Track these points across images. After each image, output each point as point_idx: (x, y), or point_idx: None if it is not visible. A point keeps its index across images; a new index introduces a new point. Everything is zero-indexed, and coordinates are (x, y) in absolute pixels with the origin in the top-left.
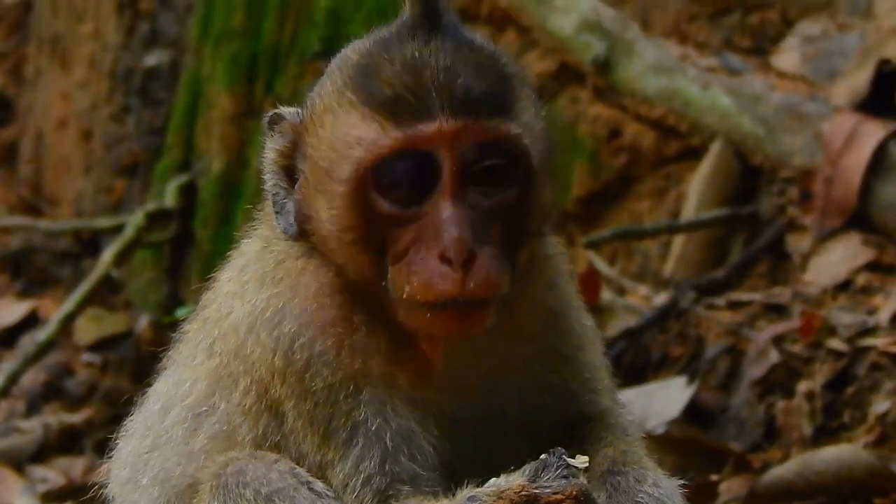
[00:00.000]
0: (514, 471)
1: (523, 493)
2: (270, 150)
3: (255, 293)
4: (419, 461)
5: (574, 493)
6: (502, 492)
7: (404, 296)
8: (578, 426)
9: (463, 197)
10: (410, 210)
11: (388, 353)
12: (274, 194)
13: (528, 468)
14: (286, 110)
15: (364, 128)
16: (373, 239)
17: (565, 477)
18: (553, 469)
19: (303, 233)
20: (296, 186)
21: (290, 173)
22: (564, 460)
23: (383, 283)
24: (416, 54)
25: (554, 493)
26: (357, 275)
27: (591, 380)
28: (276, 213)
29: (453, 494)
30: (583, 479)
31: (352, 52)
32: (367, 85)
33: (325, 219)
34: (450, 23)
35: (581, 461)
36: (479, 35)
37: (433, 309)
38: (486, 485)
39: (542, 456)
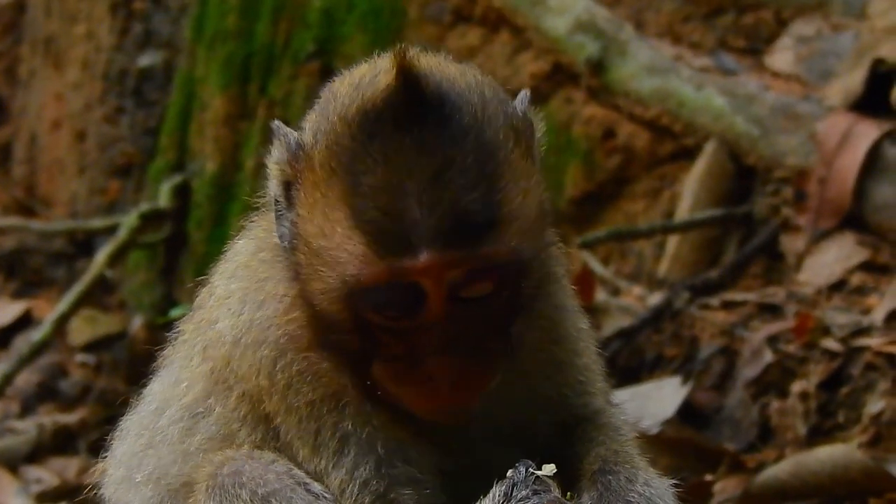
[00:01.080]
0: (484, 498)
1: None
2: (272, 162)
3: (238, 308)
4: (416, 466)
5: None
6: None
7: (388, 395)
8: (571, 427)
9: (453, 312)
10: (400, 323)
11: (360, 387)
12: (275, 199)
13: (498, 491)
14: (284, 130)
15: (351, 248)
16: (361, 336)
17: (537, 492)
18: (523, 486)
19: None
20: (292, 212)
21: (288, 188)
22: (533, 473)
23: (364, 362)
24: (401, 161)
25: None
26: (336, 341)
27: (584, 382)
28: (275, 215)
29: None
30: (555, 491)
31: (340, 111)
32: (352, 192)
33: (317, 296)
34: (433, 98)
35: (548, 469)
36: (462, 85)
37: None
38: None
39: (510, 473)
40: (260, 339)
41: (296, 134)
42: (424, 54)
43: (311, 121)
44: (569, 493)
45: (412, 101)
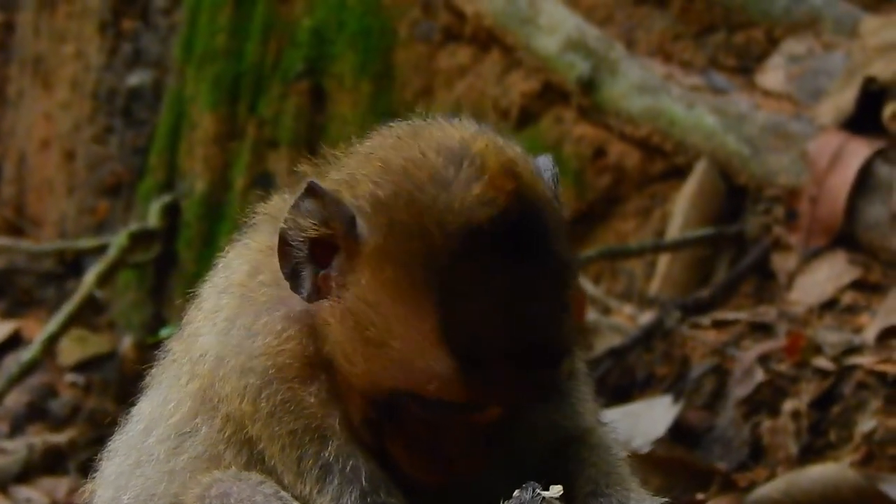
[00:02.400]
0: None
1: None
2: (306, 214)
3: (225, 326)
4: (398, 499)
5: None
6: None
7: (395, 455)
8: (562, 447)
9: (497, 417)
10: (438, 419)
11: (348, 422)
12: (289, 241)
13: None
14: (330, 194)
15: (435, 365)
16: (387, 414)
17: None
18: None
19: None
20: (320, 273)
21: (315, 247)
22: (539, 494)
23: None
24: (503, 293)
25: None
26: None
27: (575, 404)
28: (282, 255)
29: None
30: None
31: (435, 217)
32: (445, 311)
33: (351, 372)
34: (537, 228)
35: (555, 490)
36: (542, 196)
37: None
38: None
39: (516, 493)
40: (247, 366)
41: (344, 204)
42: (508, 154)
43: (372, 196)
44: None
45: (519, 230)
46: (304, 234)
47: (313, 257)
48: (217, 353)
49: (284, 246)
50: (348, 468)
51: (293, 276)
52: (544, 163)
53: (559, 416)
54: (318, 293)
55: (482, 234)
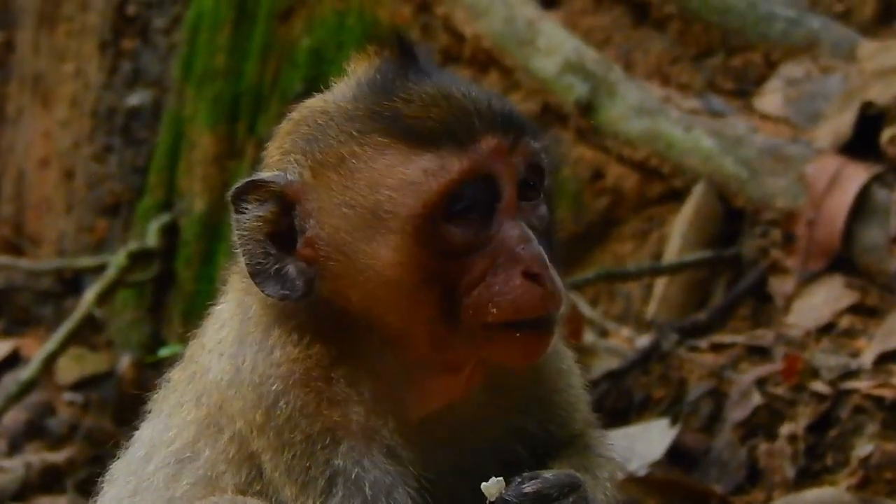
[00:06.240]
0: None
1: None
2: (251, 220)
3: (236, 350)
4: None
5: None
6: None
7: (489, 319)
8: (553, 450)
9: (521, 211)
10: (481, 235)
11: (370, 403)
12: (257, 264)
13: None
14: (264, 175)
15: (414, 168)
16: (445, 273)
17: None
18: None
19: (308, 293)
20: (296, 249)
21: (279, 239)
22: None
23: (448, 321)
24: (431, 86)
25: None
26: (412, 321)
27: (565, 416)
28: (259, 281)
29: None
30: None
31: (335, 104)
32: (395, 129)
33: (380, 266)
34: (426, 60)
35: (494, 482)
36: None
37: (519, 329)
38: None
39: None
40: (266, 374)
41: (262, 173)
42: None
43: (294, 146)
44: None
45: (411, 59)
46: (256, 240)
47: (281, 248)
48: (230, 377)
49: (256, 276)
50: (353, 476)
51: (284, 289)
52: None
53: (555, 427)
54: (307, 268)
55: (382, 74)
